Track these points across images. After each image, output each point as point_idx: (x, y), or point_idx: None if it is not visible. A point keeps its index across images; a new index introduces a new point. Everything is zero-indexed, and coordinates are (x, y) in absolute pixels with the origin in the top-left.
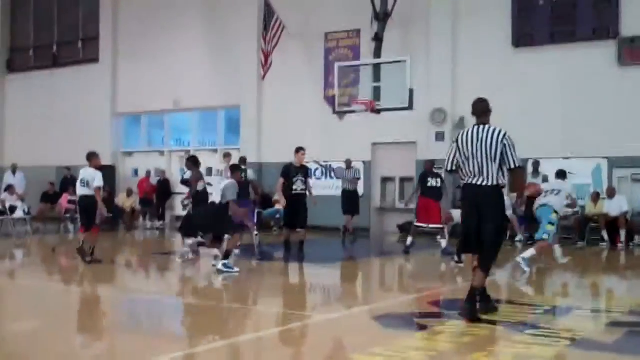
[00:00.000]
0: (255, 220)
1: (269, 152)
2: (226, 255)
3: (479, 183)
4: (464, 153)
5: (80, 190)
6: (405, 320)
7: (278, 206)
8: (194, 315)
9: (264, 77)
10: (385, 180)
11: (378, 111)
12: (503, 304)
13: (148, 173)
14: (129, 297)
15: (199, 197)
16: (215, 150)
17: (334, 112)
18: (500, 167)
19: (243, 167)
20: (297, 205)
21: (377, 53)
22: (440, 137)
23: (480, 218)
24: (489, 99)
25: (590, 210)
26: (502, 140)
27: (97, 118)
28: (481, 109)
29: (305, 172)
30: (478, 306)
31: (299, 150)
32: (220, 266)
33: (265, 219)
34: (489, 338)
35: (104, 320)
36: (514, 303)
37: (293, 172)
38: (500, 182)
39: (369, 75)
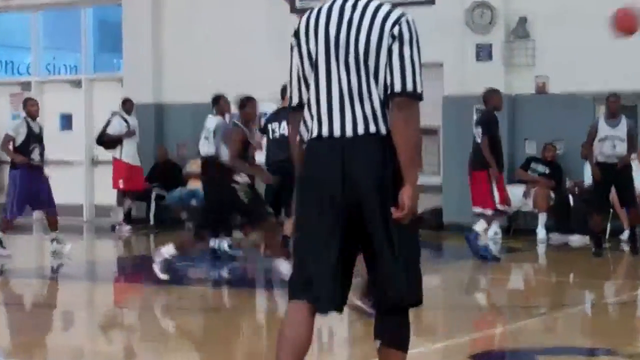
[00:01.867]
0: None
1: (176, 85)
2: None
3: (344, 133)
4: (309, 58)
5: None
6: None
7: (196, 184)
8: None
9: None
10: None
11: None
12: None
13: None
14: None
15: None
16: (78, 83)
17: (293, 10)
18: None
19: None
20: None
21: None
22: (484, 52)
23: (355, 224)
24: None
25: None
26: (390, 29)
27: None
28: None
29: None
30: None
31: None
32: None
33: (173, 207)
34: None
35: None
36: None
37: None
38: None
39: None
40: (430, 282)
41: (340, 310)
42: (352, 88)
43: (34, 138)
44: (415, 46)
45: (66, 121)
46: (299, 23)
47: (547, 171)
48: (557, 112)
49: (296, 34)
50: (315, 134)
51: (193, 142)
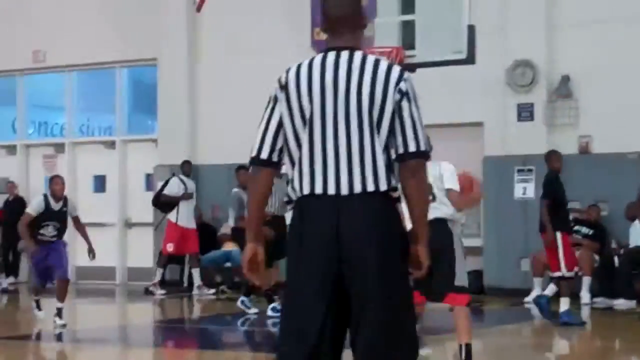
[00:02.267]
0: None
1: (211, 146)
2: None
3: (339, 191)
4: (302, 114)
5: None
6: None
7: (230, 247)
8: None
9: (199, 9)
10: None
11: (411, 67)
12: None
13: None
14: None
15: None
16: (112, 144)
17: None
18: (388, 150)
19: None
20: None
21: None
22: (525, 112)
23: (348, 294)
24: (608, 52)
25: None
26: (396, 84)
27: None
28: (341, 12)
29: None
30: None
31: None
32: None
33: (205, 269)
34: None
35: None
36: None
37: None
38: (393, 183)
39: (394, 3)
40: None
41: None
42: (351, 143)
43: (50, 216)
44: (416, 102)
45: (100, 183)
46: (287, 76)
47: (591, 233)
48: (601, 173)
49: (283, 88)
50: (307, 191)
51: (228, 204)
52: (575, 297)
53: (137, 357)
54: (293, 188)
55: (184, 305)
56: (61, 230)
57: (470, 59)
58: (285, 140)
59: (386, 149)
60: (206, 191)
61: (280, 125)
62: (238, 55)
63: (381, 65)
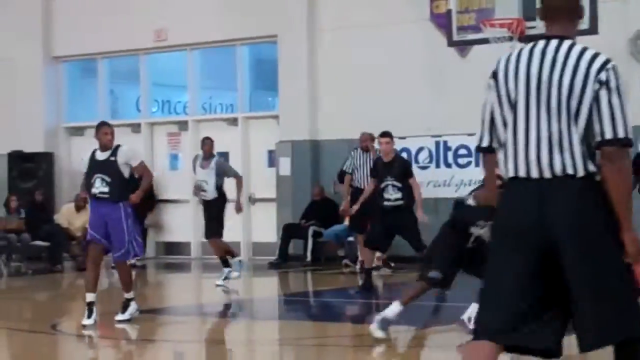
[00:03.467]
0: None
1: (331, 122)
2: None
3: (544, 176)
4: (509, 99)
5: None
6: None
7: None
8: None
9: None
10: None
11: (532, 39)
12: None
13: None
14: None
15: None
16: (234, 121)
17: (450, 43)
18: (587, 139)
19: None
20: (391, 221)
21: None
22: None
23: (551, 268)
24: None
25: None
26: (596, 74)
27: (17, 67)
28: (557, 2)
29: (399, 170)
30: None
31: (382, 136)
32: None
33: (327, 243)
34: None
35: None
36: None
37: (381, 171)
38: (591, 169)
39: None
40: None
41: (554, 354)
42: (552, 132)
43: (95, 167)
44: (623, 93)
45: (223, 159)
46: (498, 64)
47: None
48: None
49: (494, 75)
50: (511, 173)
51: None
52: None
53: (263, 330)
54: (501, 170)
55: (308, 279)
56: (113, 186)
57: (592, 29)
58: (495, 123)
59: (585, 137)
60: (328, 166)
61: (491, 112)
62: (356, 29)
63: (585, 55)
